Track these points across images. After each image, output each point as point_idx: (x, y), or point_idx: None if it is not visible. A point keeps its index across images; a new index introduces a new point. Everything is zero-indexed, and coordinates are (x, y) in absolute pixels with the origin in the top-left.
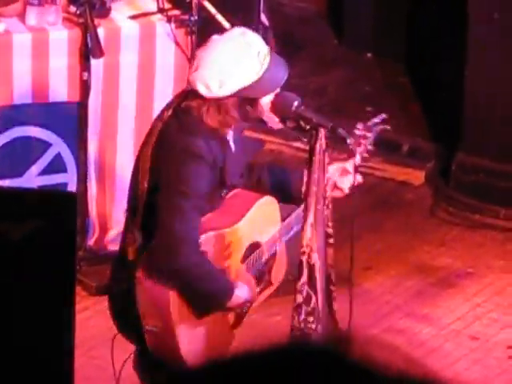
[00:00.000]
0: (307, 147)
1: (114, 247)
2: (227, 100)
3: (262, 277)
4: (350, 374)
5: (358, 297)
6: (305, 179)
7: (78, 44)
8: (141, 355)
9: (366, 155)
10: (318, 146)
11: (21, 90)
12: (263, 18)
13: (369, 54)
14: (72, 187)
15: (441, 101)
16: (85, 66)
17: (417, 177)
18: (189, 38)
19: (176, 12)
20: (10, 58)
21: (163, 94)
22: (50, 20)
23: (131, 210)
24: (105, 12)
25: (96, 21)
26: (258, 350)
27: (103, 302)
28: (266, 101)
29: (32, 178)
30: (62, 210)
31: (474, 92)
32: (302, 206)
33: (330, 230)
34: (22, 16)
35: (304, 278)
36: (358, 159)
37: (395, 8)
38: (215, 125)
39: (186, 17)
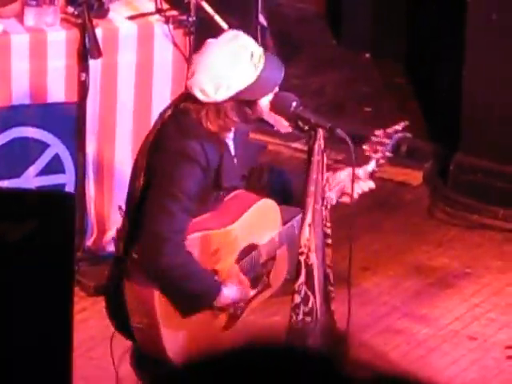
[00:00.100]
0: (306, 148)
1: (113, 248)
2: (225, 103)
3: (259, 279)
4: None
5: (356, 297)
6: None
7: (76, 45)
8: (138, 352)
9: (382, 162)
10: (316, 146)
11: (19, 91)
12: (261, 18)
13: (367, 55)
14: (70, 188)
15: (439, 101)
16: (83, 66)
17: (415, 177)
18: (187, 38)
19: (174, 13)
20: (8, 59)
21: (161, 95)
22: (48, 21)
23: (126, 207)
24: (103, 12)
25: (94, 21)
26: (241, 348)
27: (101, 303)
28: (265, 102)
29: (30, 179)
30: (60, 211)
31: (472, 92)
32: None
33: (329, 231)
34: (20, 17)
35: (302, 278)
36: (373, 165)
37: (393, 8)
38: (215, 129)
39: (184, 17)
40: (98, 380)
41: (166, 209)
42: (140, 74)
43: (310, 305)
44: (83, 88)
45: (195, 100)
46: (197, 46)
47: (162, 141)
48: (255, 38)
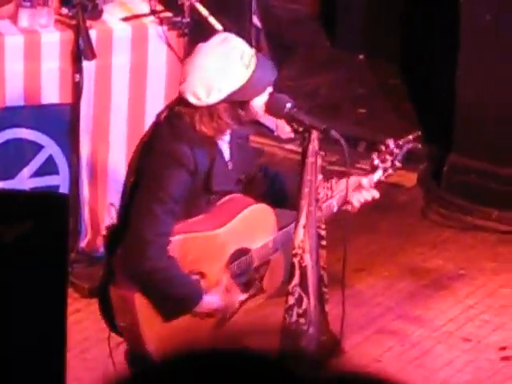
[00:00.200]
0: (300, 149)
1: None
2: (218, 106)
3: (251, 283)
4: None
5: (350, 298)
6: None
7: (70, 46)
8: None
9: (391, 172)
10: (310, 147)
11: (13, 92)
12: (255, 19)
13: (361, 56)
14: (64, 189)
15: (433, 102)
16: (77, 68)
17: (409, 179)
18: (181, 40)
19: (168, 14)
20: (2, 60)
21: (155, 96)
22: (42, 22)
23: (119, 205)
24: (97, 14)
25: (88, 23)
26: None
27: (95, 304)
28: (258, 103)
29: (24, 180)
30: (54, 212)
31: (466, 93)
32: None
33: (323, 232)
34: (14, 18)
35: (296, 280)
36: (379, 175)
37: (387, 9)
38: (209, 132)
39: (178, 19)
40: (93, 381)
41: (151, 211)
42: (134, 75)
43: (303, 306)
44: (77, 89)
45: (188, 104)
46: (191, 47)
47: (154, 142)
48: (249, 40)
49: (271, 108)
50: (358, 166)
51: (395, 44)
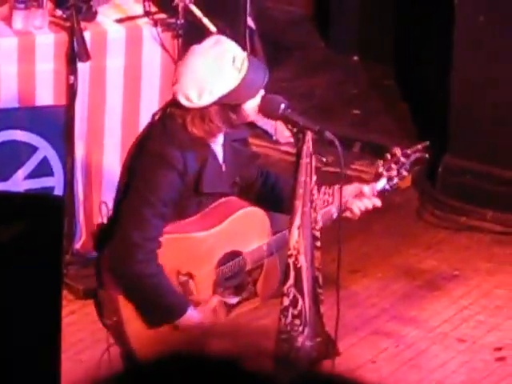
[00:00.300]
0: (294, 150)
1: None
2: (209, 108)
3: (243, 286)
4: None
5: (345, 299)
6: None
7: (65, 48)
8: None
9: (397, 181)
10: (305, 148)
11: (7, 94)
12: (250, 21)
13: (355, 57)
14: (59, 191)
15: (427, 103)
16: (71, 69)
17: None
18: (175, 41)
19: (162, 16)
20: None
21: (149, 98)
22: (37, 24)
23: (113, 205)
24: (91, 16)
25: (82, 24)
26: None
27: (90, 306)
28: (250, 106)
29: (18, 182)
30: (48, 214)
31: (460, 94)
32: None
33: (317, 233)
34: (8, 20)
35: (291, 281)
36: (383, 183)
37: (381, 11)
38: (201, 134)
39: (173, 20)
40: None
41: (140, 214)
42: (128, 76)
43: (298, 307)
44: (72, 91)
45: (181, 105)
46: (185, 49)
47: (146, 143)
48: (243, 41)
49: (265, 109)
50: (353, 167)
51: (389, 45)
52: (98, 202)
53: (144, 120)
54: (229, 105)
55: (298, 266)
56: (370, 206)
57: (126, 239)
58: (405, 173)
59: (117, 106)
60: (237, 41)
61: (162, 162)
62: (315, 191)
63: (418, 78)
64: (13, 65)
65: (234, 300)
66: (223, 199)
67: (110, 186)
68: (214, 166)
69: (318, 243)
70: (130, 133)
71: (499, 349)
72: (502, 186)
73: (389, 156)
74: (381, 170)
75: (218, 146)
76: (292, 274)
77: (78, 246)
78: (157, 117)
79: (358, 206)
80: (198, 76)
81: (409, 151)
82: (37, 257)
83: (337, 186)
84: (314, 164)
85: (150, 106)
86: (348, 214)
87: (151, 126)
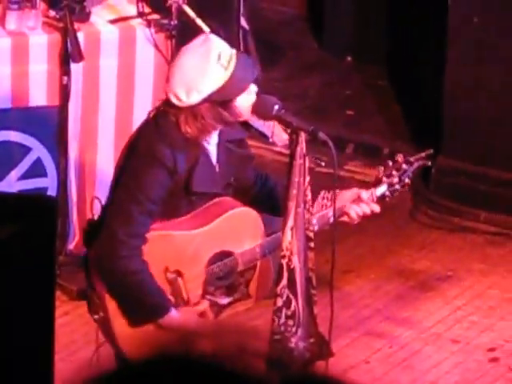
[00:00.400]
0: (288, 151)
1: None
2: (200, 106)
3: (235, 287)
4: None
5: (339, 300)
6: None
7: (58, 48)
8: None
9: (398, 188)
10: (298, 149)
11: (0, 95)
12: (243, 21)
13: (349, 58)
14: (52, 192)
15: (421, 104)
16: (65, 70)
17: None
18: (168, 42)
19: (156, 16)
20: None
21: (143, 98)
22: (30, 24)
23: (105, 202)
24: (84, 16)
25: (76, 25)
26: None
27: (83, 307)
28: (243, 103)
29: (12, 183)
30: (42, 215)
31: (454, 95)
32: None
33: (311, 234)
34: (1, 20)
35: (284, 282)
36: (383, 190)
37: (375, 11)
38: (194, 132)
39: (166, 21)
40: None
41: (127, 211)
42: (122, 77)
43: (292, 308)
44: (65, 92)
45: (173, 104)
46: (178, 49)
47: (138, 140)
48: (237, 42)
49: (259, 110)
50: (347, 167)
51: (383, 46)
52: (91, 202)
53: (137, 120)
54: (219, 102)
55: (292, 266)
56: (367, 212)
57: (112, 235)
58: (407, 180)
59: (110, 106)
60: (230, 41)
61: (152, 160)
62: (308, 192)
63: (411, 78)
64: (6, 65)
65: (225, 300)
66: (218, 199)
67: (103, 186)
68: (206, 165)
69: (312, 244)
70: (123, 133)
71: (492, 349)
72: (496, 187)
73: (390, 162)
74: (381, 175)
75: (211, 145)
76: (285, 274)
77: (71, 246)
78: (151, 115)
79: (356, 211)
80: (185, 75)
81: (412, 159)
82: (30, 257)
83: (337, 191)
84: (307, 165)
85: (143, 106)
86: (345, 218)
87: (145, 124)
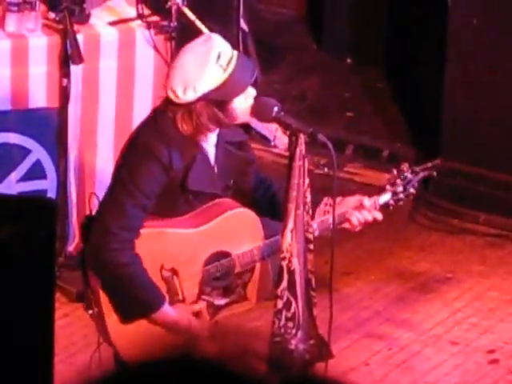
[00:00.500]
0: (287, 153)
1: None
2: (196, 105)
3: (232, 289)
4: None
5: (338, 302)
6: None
7: (58, 50)
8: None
9: (402, 197)
10: (297, 151)
11: (0, 97)
12: (242, 23)
13: (348, 60)
14: (52, 193)
15: (420, 106)
16: (64, 72)
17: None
18: (168, 44)
19: (155, 18)
20: None
21: (143, 100)
22: (30, 26)
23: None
24: (84, 18)
25: (75, 27)
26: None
27: (84, 310)
28: (240, 106)
29: (12, 185)
30: (41, 216)
31: (454, 97)
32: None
33: (310, 236)
34: (1, 22)
35: (284, 284)
36: (386, 198)
37: (374, 13)
38: (190, 130)
39: (166, 23)
40: None
41: (120, 204)
42: (121, 79)
43: (292, 310)
44: (65, 94)
45: (172, 101)
46: (178, 51)
47: (136, 136)
48: (236, 44)
49: (258, 112)
50: (346, 169)
51: (382, 48)
52: (91, 204)
53: (137, 122)
54: (215, 102)
55: (292, 268)
56: (369, 219)
57: (104, 227)
58: (412, 190)
59: (110, 108)
60: (229, 43)
61: (148, 155)
62: (308, 194)
63: (411, 80)
64: (6, 67)
65: (221, 301)
66: (217, 200)
67: (103, 187)
68: (203, 164)
69: (311, 246)
70: (123, 135)
71: (492, 351)
72: (495, 189)
73: (395, 171)
74: (385, 183)
75: (210, 145)
76: (285, 276)
77: (71, 248)
78: (152, 111)
79: (357, 218)
80: (184, 72)
81: (417, 168)
82: (30, 259)
83: (339, 198)
84: (306, 166)
85: (142, 108)
86: (347, 225)
87: (144, 120)
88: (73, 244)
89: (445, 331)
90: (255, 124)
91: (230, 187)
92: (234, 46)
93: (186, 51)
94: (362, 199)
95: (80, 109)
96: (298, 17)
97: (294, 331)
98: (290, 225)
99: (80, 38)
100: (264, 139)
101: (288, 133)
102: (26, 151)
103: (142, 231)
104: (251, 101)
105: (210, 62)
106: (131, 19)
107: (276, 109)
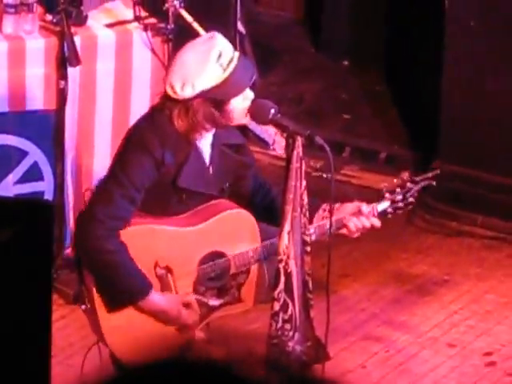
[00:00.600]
0: (284, 155)
1: None
2: (193, 102)
3: (227, 289)
4: None
5: (335, 304)
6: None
7: (55, 52)
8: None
9: (401, 205)
10: (295, 153)
11: None
12: (240, 26)
13: (346, 62)
14: (49, 196)
15: (418, 109)
16: (61, 74)
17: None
18: (165, 46)
19: (152, 20)
20: None
21: (140, 102)
22: (27, 28)
23: None
24: (81, 20)
25: (73, 29)
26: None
27: (80, 310)
28: (237, 107)
29: (9, 187)
30: (38, 218)
31: (451, 100)
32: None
33: (307, 238)
34: None
35: (281, 286)
36: (385, 205)
37: (372, 16)
38: (185, 127)
39: (163, 25)
40: None
41: (108, 192)
42: (119, 81)
43: (289, 312)
44: (62, 96)
45: (169, 97)
46: (175, 53)
47: (132, 131)
48: (234, 46)
49: (255, 114)
50: (343, 172)
51: (380, 50)
52: None
53: None
54: (212, 101)
55: (289, 270)
56: (367, 225)
57: (91, 214)
58: (411, 199)
59: (107, 110)
60: None
61: (141, 148)
62: (305, 196)
63: (409, 83)
64: (3, 69)
65: (215, 302)
66: (216, 201)
67: None
68: (196, 163)
69: (308, 248)
70: (120, 137)
71: (489, 354)
72: (493, 192)
73: (395, 180)
74: (384, 191)
75: (205, 146)
76: (282, 278)
77: (68, 250)
78: (150, 107)
79: (355, 224)
80: (183, 68)
81: (418, 178)
82: (27, 261)
83: (337, 204)
84: (304, 169)
85: (140, 110)
86: (344, 231)
87: (141, 116)
88: (70, 246)
89: (442, 333)
90: (254, 127)
91: (226, 190)
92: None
93: (188, 48)
94: (360, 205)
95: (77, 111)
96: (295, 19)
97: (291, 333)
98: (287, 227)
99: (77, 40)
100: (263, 143)
101: (285, 135)
102: (23, 153)
103: (137, 227)
104: (248, 103)
105: (210, 60)
106: (128, 21)
107: (273, 111)
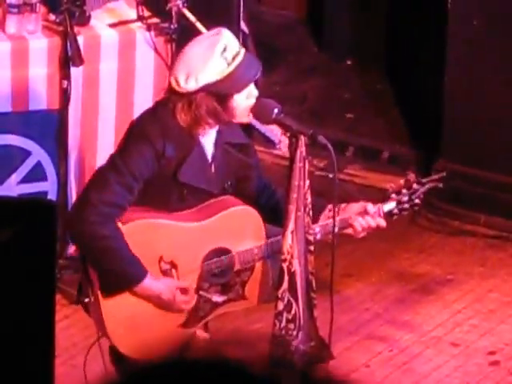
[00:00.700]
0: (287, 154)
1: None
2: (196, 95)
3: (230, 286)
4: None
5: (339, 304)
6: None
7: (58, 52)
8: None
9: (407, 207)
10: (298, 153)
11: (0, 99)
12: (243, 25)
13: (348, 61)
14: (52, 195)
15: (421, 108)
16: (65, 74)
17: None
18: (168, 46)
19: (156, 20)
20: None
21: (143, 102)
22: (30, 28)
23: None
24: (84, 20)
25: (76, 29)
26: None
27: (83, 311)
28: (240, 103)
29: (12, 187)
30: (42, 218)
31: (454, 99)
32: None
33: (311, 237)
34: (1, 24)
35: (285, 285)
36: (391, 206)
37: (375, 15)
38: (188, 121)
39: (166, 25)
40: None
41: (104, 178)
42: (122, 81)
43: (292, 312)
44: (65, 95)
45: (174, 91)
46: (178, 53)
47: (135, 124)
48: None
49: (258, 113)
50: (346, 171)
51: (382, 50)
52: None
53: None
54: (216, 95)
55: (292, 270)
56: (373, 225)
57: (85, 199)
58: (417, 201)
59: (110, 110)
60: None
61: (142, 138)
62: (308, 195)
63: (411, 82)
64: (6, 69)
65: (219, 298)
66: (220, 197)
67: None
68: (198, 160)
69: (312, 247)
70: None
71: (492, 353)
72: (496, 190)
73: (401, 181)
74: (390, 191)
75: (208, 142)
76: (286, 278)
77: (71, 250)
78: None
79: (361, 223)
80: (188, 61)
81: (424, 180)
82: (30, 261)
83: (343, 205)
84: (307, 168)
85: (143, 109)
86: (350, 230)
87: (145, 110)
88: (73, 246)
89: (445, 333)
90: (259, 126)
91: (227, 189)
92: None
93: (194, 42)
94: (366, 205)
95: (80, 111)
96: (298, 19)
97: (294, 333)
98: (291, 226)
99: (80, 39)
100: (269, 142)
101: (288, 135)
102: (27, 153)
103: (142, 221)
104: (253, 101)
105: (215, 53)
106: (131, 21)
107: (276, 110)
